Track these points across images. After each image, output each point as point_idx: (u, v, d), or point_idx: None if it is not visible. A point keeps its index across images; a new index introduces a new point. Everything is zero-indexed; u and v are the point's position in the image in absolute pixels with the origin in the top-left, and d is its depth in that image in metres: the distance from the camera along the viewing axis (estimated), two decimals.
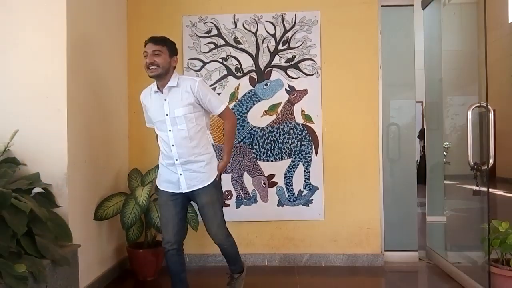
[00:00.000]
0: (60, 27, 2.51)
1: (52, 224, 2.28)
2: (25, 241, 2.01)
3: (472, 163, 2.84)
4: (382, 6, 3.60)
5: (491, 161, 2.76)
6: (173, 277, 2.54)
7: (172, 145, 2.35)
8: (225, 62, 3.55)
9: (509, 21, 9.86)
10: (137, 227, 3.11)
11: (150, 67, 2.30)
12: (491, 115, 2.76)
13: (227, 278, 2.77)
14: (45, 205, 2.32)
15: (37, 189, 2.38)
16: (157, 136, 2.53)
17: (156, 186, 2.55)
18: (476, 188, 2.85)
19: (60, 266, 2.18)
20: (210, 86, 3.55)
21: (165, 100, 2.36)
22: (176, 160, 2.36)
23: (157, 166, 3.22)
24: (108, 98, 3.21)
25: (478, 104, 2.87)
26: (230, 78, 3.55)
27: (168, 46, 2.39)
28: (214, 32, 3.57)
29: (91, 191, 2.91)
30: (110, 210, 2.97)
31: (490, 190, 2.89)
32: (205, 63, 3.56)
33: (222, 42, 3.56)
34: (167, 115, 2.34)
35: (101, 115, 3.08)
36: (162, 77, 2.34)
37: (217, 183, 2.49)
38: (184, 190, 2.40)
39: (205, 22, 3.57)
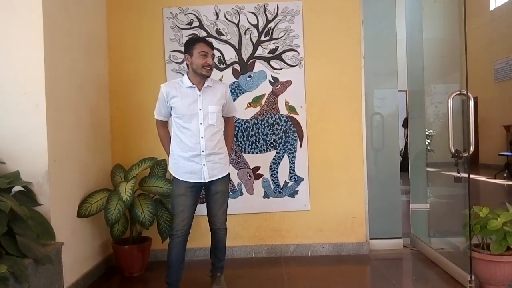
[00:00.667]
0: (36, 21, 2.44)
1: (34, 222, 2.24)
2: (6, 241, 1.98)
3: (453, 151, 2.88)
4: None
5: (472, 148, 2.80)
6: (172, 266, 2.58)
7: (202, 137, 2.53)
8: None
9: (490, 9, 9.97)
10: (122, 223, 3.08)
11: (207, 68, 2.51)
12: (471, 103, 2.80)
13: (211, 279, 2.83)
14: (26, 204, 2.28)
15: (17, 188, 2.33)
16: (160, 128, 2.74)
17: (174, 177, 2.64)
18: (457, 175, 2.89)
19: (42, 265, 2.15)
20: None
21: (199, 96, 2.55)
22: (203, 151, 2.53)
23: (142, 161, 3.24)
24: (89, 92, 3.15)
25: (459, 92, 2.90)
26: (213, 70, 3.51)
27: None
28: (196, 23, 3.52)
29: (74, 188, 2.87)
30: (94, 207, 2.94)
31: (472, 176, 2.94)
32: None
33: (204, 34, 3.52)
34: (200, 109, 2.53)
35: (82, 110, 3.02)
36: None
37: (229, 176, 2.75)
38: (207, 179, 2.58)
39: (186, 14, 3.52)
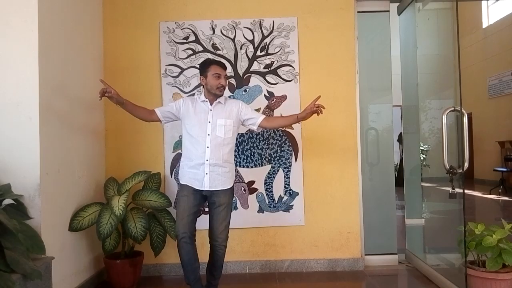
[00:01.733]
0: (31, 34, 2.45)
1: (24, 236, 2.20)
2: None
3: (447, 167, 2.88)
4: (358, 12, 3.65)
5: (466, 164, 2.80)
6: (186, 266, 2.69)
7: (207, 147, 2.68)
8: None
9: (483, 26, 10.12)
10: (114, 238, 3.04)
11: (221, 88, 2.70)
12: (465, 119, 2.81)
13: None
14: (17, 217, 2.24)
15: (7, 201, 2.30)
16: (148, 109, 2.83)
17: (179, 184, 2.84)
18: (452, 191, 2.89)
19: (31, 280, 2.11)
20: (188, 92, 3.52)
21: (211, 110, 2.74)
22: (207, 160, 2.67)
23: (136, 174, 3.22)
24: (83, 105, 3.14)
25: (453, 108, 2.92)
26: None
27: None
28: (192, 38, 3.54)
29: (66, 201, 2.83)
30: (86, 221, 2.90)
31: (467, 191, 2.93)
32: (183, 69, 3.53)
33: (200, 48, 3.54)
34: (209, 122, 2.71)
35: (76, 123, 3.01)
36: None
37: (232, 190, 2.83)
38: (206, 188, 2.68)
39: (183, 28, 3.54)
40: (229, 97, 3.51)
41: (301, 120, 2.81)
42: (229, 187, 2.75)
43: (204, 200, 2.77)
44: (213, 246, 2.75)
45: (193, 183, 2.70)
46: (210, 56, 3.52)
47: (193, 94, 3.52)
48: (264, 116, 2.84)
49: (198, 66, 3.48)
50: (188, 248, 2.66)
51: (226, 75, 2.77)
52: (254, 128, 2.84)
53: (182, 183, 2.76)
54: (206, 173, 2.67)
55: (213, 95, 2.73)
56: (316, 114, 2.66)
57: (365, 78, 3.64)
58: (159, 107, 2.89)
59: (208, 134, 2.69)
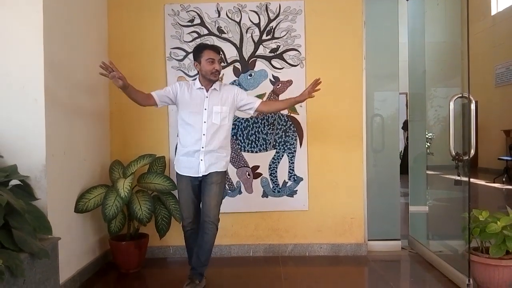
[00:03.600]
0: (36, 16, 2.43)
1: (31, 216, 2.22)
2: (2, 235, 1.96)
3: (453, 154, 2.87)
4: None
5: (473, 152, 2.79)
6: (190, 252, 2.83)
7: (204, 134, 2.68)
8: None
9: (492, 14, 9.97)
10: (119, 220, 3.07)
11: (215, 73, 2.68)
12: (472, 106, 2.78)
13: (186, 281, 2.69)
14: (23, 198, 2.26)
15: (14, 182, 2.32)
16: (145, 96, 2.71)
17: (176, 173, 2.82)
18: (458, 178, 2.88)
19: (39, 259, 2.14)
20: (194, 76, 3.50)
21: (206, 97, 2.72)
22: (202, 147, 2.68)
23: (141, 157, 3.23)
24: (88, 88, 3.13)
25: (460, 95, 2.90)
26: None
27: None
28: (197, 21, 3.51)
29: (71, 183, 2.85)
30: (91, 203, 2.92)
31: (471, 180, 2.93)
32: (188, 53, 3.50)
33: (206, 32, 3.51)
34: (205, 109, 2.70)
35: (81, 105, 3.01)
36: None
37: (225, 173, 2.87)
38: (202, 173, 2.70)
39: (188, 11, 3.51)
40: (233, 82, 3.50)
41: (299, 102, 2.90)
42: (223, 170, 2.78)
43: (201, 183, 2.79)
44: (203, 223, 2.69)
45: (189, 171, 2.73)
46: (215, 39, 3.49)
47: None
48: (260, 100, 2.84)
49: None
50: (194, 237, 2.77)
51: (220, 59, 2.75)
52: (251, 112, 2.89)
53: (178, 172, 2.79)
54: (201, 160, 2.70)
55: (208, 81, 2.72)
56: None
57: (371, 64, 3.59)
58: (156, 91, 2.78)
59: (204, 122, 2.69)
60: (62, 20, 2.71)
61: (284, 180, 3.55)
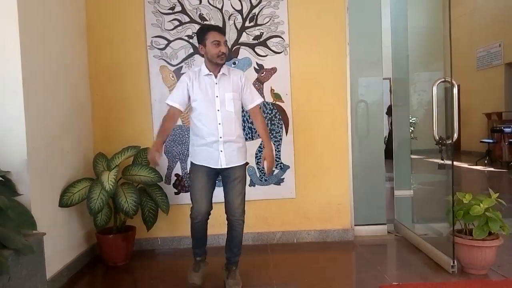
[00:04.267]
0: (11, 5, 2.35)
1: (13, 212, 2.17)
2: None
3: (437, 138, 2.90)
4: None
5: (456, 135, 2.83)
6: (197, 243, 2.70)
7: (219, 124, 2.54)
8: (190, 40, 3.45)
9: None
10: (105, 213, 3.03)
11: (221, 56, 2.50)
12: (455, 90, 2.82)
13: (226, 274, 2.71)
14: (5, 194, 2.20)
15: None
16: (169, 118, 2.59)
17: (191, 163, 2.67)
18: (441, 162, 2.92)
19: (24, 255, 2.10)
20: (176, 65, 3.45)
21: (216, 83, 2.56)
22: (220, 137, 2.54)
23: (126, 149, 3.18)
24: (68, 79, 3.05)
25: (443, 79, 2.92)
26: (197, 56, 3.45)
27: None
28: (178, 8, 3.44)
29: (55, 176, 2.80)
30: (76, 196, 2.88)
31: (455, 163, 2.97)
32: (169, 41, 3.44)
33: (187, 19, 3.44)
34: (217, 96, 2.55)
35: (61, 97, 2.94)
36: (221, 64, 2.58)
37: (246, 165, 2.72)
38: (223, 166, 2.58)
39: None
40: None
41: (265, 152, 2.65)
42: (244, 162, 2.66)
43: (218, 175, 2.66)
44: (231, 221, 2.64)
45: (209, 162, 2.58)
46: (197, 27, 3.42)
47: (181, 68, 3.45)
48: (257, 104, 2.68)
49: (186, 38, 3.44)
50: (203, 227, 2.64)
51: (226, 41, 2.58)
52: (245, 108, 2.72)
53: (196, 163, 2.62)
54: (221, 151, 2.56)
55: (215, 65, 2.54)
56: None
57: (355, 50, 3.59)
58: (171, 99, 2.59)
59: (218, 110, 2.54)
60: (37, 10, 2.62)
61: None
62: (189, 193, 2.75)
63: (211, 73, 2.57)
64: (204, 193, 2.59)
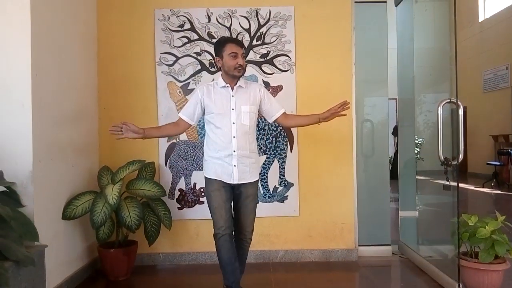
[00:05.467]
0: (24, 19, 2.41)
1: (16, 223, 2.18)
2: None
3: (442, 158, 2.89)
4: (355, 2, 3.61)
5: (461, 156, 2.81)
6: (226, 266, 2.50)
7: (234, 137, 2.49)
8: (198, 57, 3.50)
9: (480, 20, 10.12)
10: (108, 226, 3.03)
11: (239, 68, 2.48)
12: (460, 111, 2.81)
13: None
14: (9, 205, 2.22)
15: (0, 188, 2.27)
16: (174, 125, 2.65)
17: (205, 177, 2.59)
18: (447, 183, 2.90)
19: (24, 267, 2.09)
20: (184, 81, 3.49)
21: (232, 96, 2.53)
22: (234, 151, 2.49)
23: (130, 163, 3.19)
24: (77, 93, 3.10)
25: (448, 100, 2.92)
26: (204, 73, 3.50)
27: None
28: (187, 26, 3.50)
29: (59, 189, 2.81)
30: (79, 209, 2.88)
31: (460, 184, 2.94)
32: (178, 58, 3.49)
33: (196, 36, 3.50)
34: (233, 109, 2.51)
35: (69, 110, 2.97)
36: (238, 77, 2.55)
37: (258, 183, 2.67)
38: (236, 181, 2.51)
39: (178, 16, 3.50)
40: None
41: (322, 122, 2.62)
42: (256, 179, 2.62)
43: (233, 189, 2.58)
44: (239, 240, 2.60)
45: (222, 177, 2.51)
46: (205, 44, 3.49)
47: (188, 84, 3.49)
48: (283, 110, 2.66)
49: (194, 55, 3.49)
50: (228, 246, 2.48)
51: (243, 53, 2.53)
52: (269, 120, 2.68)
53: (210, 177, 2.54)
54: (234, 165, 2.50)
55: (232, 77, 2.51)
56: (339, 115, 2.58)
57: (361, 70, 3.62)
58: (181, 111, 2.63)
59: (233, 123, 2.49)
60: (50, 24, 2.68)
61: (275, 186, 3.54)
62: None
63: (227, 85, 2.54)
64: (223, 206, 2.49)
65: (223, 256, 2.48)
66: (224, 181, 2.52)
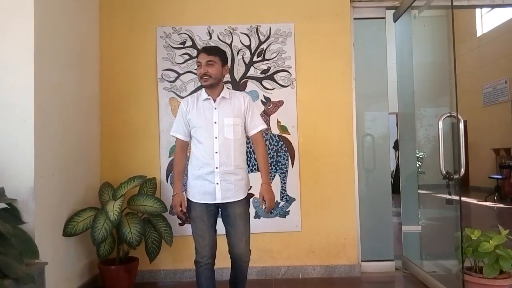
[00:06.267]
0: (27, 35, 2.45)
1: (17, 240, 2.17)
2: None
3: (444, 172, 2.88)
4: (354, 18, 3.67)
5: (463, 170, 2.80)
6: None
7: (216, 152, 2.34)
8: None
9: (477, 35, 10.22)
10: (109, 243, 3.01)
11: (204, 77, 2.33)
12: (461, 125, 2.82)
13: None
14: (10, 222, 2.21)
15: (1, 205, 2.27)
16: (177, 150, 2.50)
17: (188, 199, 2.45)
18: (449, 197, 2.89)
19: (24, 285, 2.07)
20: (185, 97, 3.49)
21: (215, 108, 2.39)
22: (216, 168, 2.33)
23: (132, 179, 3.19)
24: (78, 109, 3.12)
25: (449, 114, 2.93)
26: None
27: (220, 56, 2.41)
28: (189, 43, 3.55)
29: (60, 205, 2.80)
30: (80, 226, 2.87)
31: (463, 198, 2.93)
32: (179, 74, 3.53)
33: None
34: (215, 122, 2.36)
35: (71, 126, 2.99)
36: (214, 87, 2.38)
37: (248, 200, 2.49)
38: (219, 200, 2.35)
39: (180, 33, 3.54)
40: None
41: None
42: (243, 197, 2.40)
43: (218, 209, 2.44)
44: (236, 263, 2.45)
45: (204, 198, 2.37)
46: None
47: None
48: (260, 130, 2.47)
49: (195, 71, 3.52)
50: (208, 274, 2.37)
51: (211, 61, 2.33)
52: (247, 134, 2.50)
53: (192, 200, 2.40)
54: (217, 183, 2.33)
55: (210, 88, 2.37)
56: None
57: (361, 84, 3.64)
58: (173, 129, 2.50)
59: (216, 137, 2.34)
60: (53, 41, 2.72)
61: (276, 201, 3.52)
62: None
63: (209, 97, 2.40)
64: (205, 233, 2.36)
65: (203, 283, 2.38)
66: (207, 202, 2.37)
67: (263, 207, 2.45)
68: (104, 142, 3.51)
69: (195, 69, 3.51)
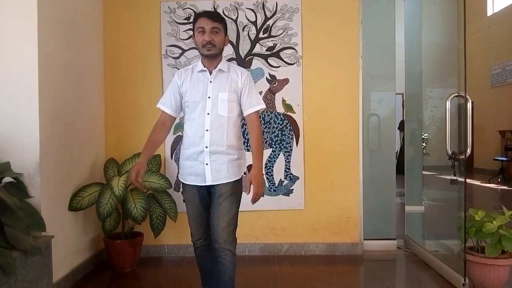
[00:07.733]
0: (30, 12, 2.41)
1: (24, 213, 2.19)
2: None
3: (450, 152, 2.87)
4: None
5: (469, 150, 2.79)
6: (204, 272, 2.36)
7: (207, 130, 2.11)
8: None
9: (488, 15, 10.01)
10: (114, 218, 3.05)
11: (207, 46, 2.08)
12: (469, 105, 2.78)
13: None
14: (16, 195, 2.23)
15: (7, 179, 2.29)
16: (158, 124, 2.26)
17: (181, 183, 2.30)
18: (454, 177, 2.88)
19: (31, 256, 2.11)
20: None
21: (210, 82, 2.15)
22: (206, 147, 2.11)
23: (136, 155, 3.20)
24: (83, 85, 3.11)
25: (457, 94, 2.90)
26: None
27: (223, 23, 2.17)
28: None
29: (65, 180, 2.82)
30: (85, 201, 2.90)
31: (467, 180, 2.92)
32: (184, 50, 3.49)
33: None
34: (209, 97, 2.13)
35: (76, 103, 2.98)
36: (215, 57, 2.15)
37: (241, 182, 2.25)
38: (209, 182, 2.14)
39: (184, 8, 3.49)
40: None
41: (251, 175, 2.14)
42: (236, 178, 2.18)
43: (210, 191, 2.23)
44: (215, 250, 2.15)
45: (195, 180, 2.18)
46: None
47: None
48: (257, 110, 2.18)
49: None
50: (205, 255, 2.30)
51: (215, 28, 2.09)
52: (243, 113, 2.22)
53: (182, 181, 2.26)
54: (207, 164, 2.12)
55: (208, 59, 2.13)
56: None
57: (368, 63, 3.59)
58: (160, 101, 2.26)
59: (208, 113, 2.11)
60: (56, 17, 2.68)
61: (280, 179, 3.53)
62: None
63: (205, 68, 2.16)
64: (197, 215, 2.24)
65: (201, 264, 2.35)
66: (198, 184, 2.18)
67: (249, 193, 2.15)
68: (108, 118, 3.50)
69: None
